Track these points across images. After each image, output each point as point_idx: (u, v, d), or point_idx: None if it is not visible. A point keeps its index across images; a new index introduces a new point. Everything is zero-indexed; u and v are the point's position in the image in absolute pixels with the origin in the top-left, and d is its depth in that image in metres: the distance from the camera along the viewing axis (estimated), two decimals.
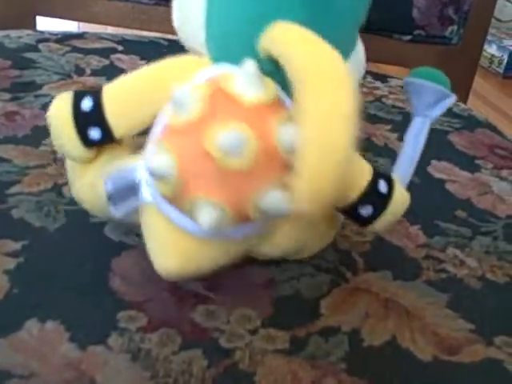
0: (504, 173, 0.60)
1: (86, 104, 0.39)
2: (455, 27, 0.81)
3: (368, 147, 0.60)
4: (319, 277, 0.43)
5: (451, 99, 0.46)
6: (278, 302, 0.41)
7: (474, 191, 0.56)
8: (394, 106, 0.69)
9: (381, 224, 0.41)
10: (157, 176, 0.35)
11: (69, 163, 0.43)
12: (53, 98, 0.59)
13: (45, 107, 0.58)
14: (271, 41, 0.36)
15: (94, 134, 0.39)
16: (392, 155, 0.59)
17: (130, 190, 0.38)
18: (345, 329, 0.40)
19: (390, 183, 0.41)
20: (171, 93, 0.35)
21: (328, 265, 0.45)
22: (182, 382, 0.35)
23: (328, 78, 0.33)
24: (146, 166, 0.36)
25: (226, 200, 0.34)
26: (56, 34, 0.73)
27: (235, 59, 0.37)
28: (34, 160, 0.51)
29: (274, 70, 0.36)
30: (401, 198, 0.41)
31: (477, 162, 0.61)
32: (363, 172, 0.40)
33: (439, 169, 0.59)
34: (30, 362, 0.35)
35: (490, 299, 0.44)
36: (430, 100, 0.45)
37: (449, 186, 0.56)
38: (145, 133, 0.39)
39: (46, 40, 0.71)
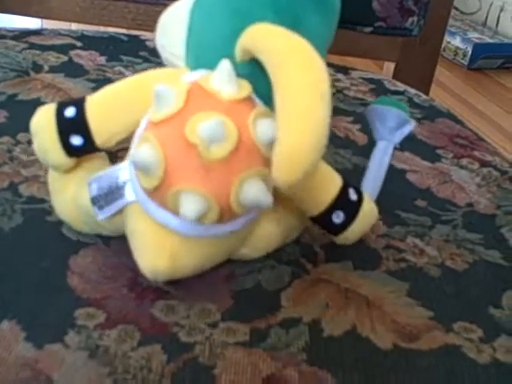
0: (464, 161, 0.61)
1: (69, 112, 0.40)
2: (415, 18, 0.81)
3: (330, 139, 0.60)
4: (280, 269, 0.43)
5: (411, 125, 0.48)
6: (238, 295, 0.41)
7: (434, 180, 0.57)
8: (355, 98, 0.69)
9: (352, 232, 0.43)
10: (141, 167, 0.35)
11: (50, 177, 0.44)
12: (9, 95, 0.59)
13: (0, 105, 0.57)
14: (251, 38, 0.38)
15: (76, 140, 0.40)
16: (353, 147, 0.60)
17: (113, 190, 0.38)
18: (305, 320, 0.40)
19: (358, 193, 0.43)
20: (153, 91, 0.36)
21: (289, 257, 0.45)
22: (141, 378, 0.35)
23: (305, 61, 0.35)
24: (130, 159, 0.37)
25: (209, 190, 0.35)
26: (13, 31, 0.72)
27: (212, 67, 0.39)
28: None
29: (248, 73, 0.38)
30: (370, 208, 0.44)
31: (437, 151, 0.62)
32: (334, 180, 0.42)
33: (401, 159, 0.59)
34: None
35: (449, 286, 0.45)
36: (392, 124, 0.48)
37: (409, 176, 0.57)
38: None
39: (3, 37, 0.70)
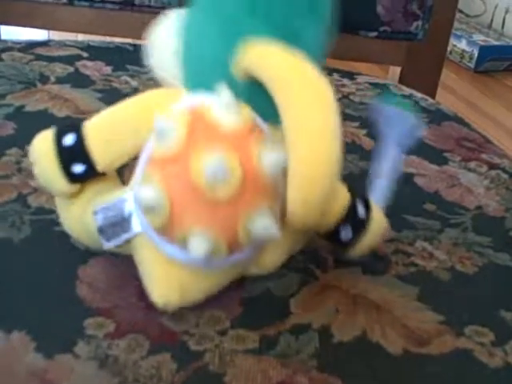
0: (472, 164, 0.60)
1: (69, 139, 0.39)
2: (420, 23, 0.81)
3: None
4: (289, 275, 0.43)
5: (421, 129, 0.50)
6: (247, 302, 0.41)
7: (443, 184, 0.57)
8: (361, 103, 0.69)
9: (361, 246, 0.42)
10: (146, 208, 0.35)
11: (57, 198, 0.43)
12: (16, 107, 0.59)
13: (8, 117, 0.57)
14: (249, 60, 0.37)
15: (78, 168, 0.39)
16: (360, 152, 0.60)
17: (120, 222, 0.38)
18: (315, 326, 0.40)
19: (367, 205, 0.42)
20: (153, 124, 0.36)
21: (297, 263, 0.44)
22: None
23: (313, 94, 0.34)
24: (135, 199, 0.37)
25: (216, 229, 0.35)
26: (20, 43, 0.72)
27: (209, 87, 0.38)
28: None
29: (248, 91, 0.38)
30: (379, 220, 0.43)
31: (445, 155, 0.62)
32: (341, 195, 0.41)
33: (408, 163, 0.59)
34: None
35: (459, 290, 0.44)
36: (402, 129, 0.48)
37: (417, 180, 0.57)
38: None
39: (10, 49, 0.70)
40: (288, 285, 0.43)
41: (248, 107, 0.38)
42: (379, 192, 0.47)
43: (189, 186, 0.34)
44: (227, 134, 0.35)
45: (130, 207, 0.38)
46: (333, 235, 0.41)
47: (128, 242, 0.39)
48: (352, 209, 0.41)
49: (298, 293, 0.42)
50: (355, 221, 0.41)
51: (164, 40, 0.43)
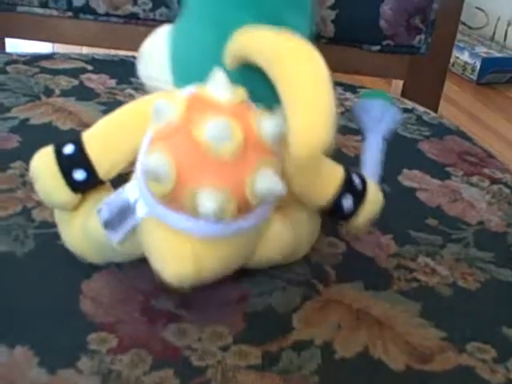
0: (474, 179, 0.61)
1: (68, 149, 0.40)
2: (423, 36, 0.81)
3: (339, 158, 0.60)
4: (291, 290, 0.43)
5: (396, 112, 0.50)
6: (249, 318, 0.41)
7: (445, 199, 0.57)
8: None
9: (363, 217, 0.43)
10: (153, 175, 0.35)
11: (56, 213, 0.44)
12: (21, 120, 0.59)
13: (13, 130, 0.57)
14: (240, 43, 0.39)
15: (79, 175, 0.40)
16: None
17: (124, 210, 0.39)
18: (317, 342, 0.40)
19: (361, 178, 0.44)
20: (152, 108, 0.37)
21: (300, 278, 0.45)
22: None
23: (301, 51, 0.36)
24: (141, 170, 0.37)
25: (223, 186, 0.35)
26: (25, 56, 0.73)
27: (202, 83, 0.39)
28: (2, 184, 0.50)
29: (240, 80, 0.39)
30: (375, 191, 0.44)
31: (447, 169, 0.62)
32: (337, 169, 0.42)
33: (410, 177, 0.59)
34: None
35: (462, 306, 0.44)
36: (377, 115, 0.49)
37: (419, 195, 0.57)
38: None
39: (15, 62, 0.71)
40: (290, 300, 0.43)
41: (241, 87, 0.39)
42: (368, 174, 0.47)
43: (192, 146, 0.35)
44: (224, 106, 0.37)
45: (133, 195, 0.38)
46: (335, 208, 0.42)
47: (133, 235, 0.39)
48: (349, 180, 0.42)
49: (301, 308, 0.42)
50: (354, 191, 0.42)
51: (154, 47, 0.44)
